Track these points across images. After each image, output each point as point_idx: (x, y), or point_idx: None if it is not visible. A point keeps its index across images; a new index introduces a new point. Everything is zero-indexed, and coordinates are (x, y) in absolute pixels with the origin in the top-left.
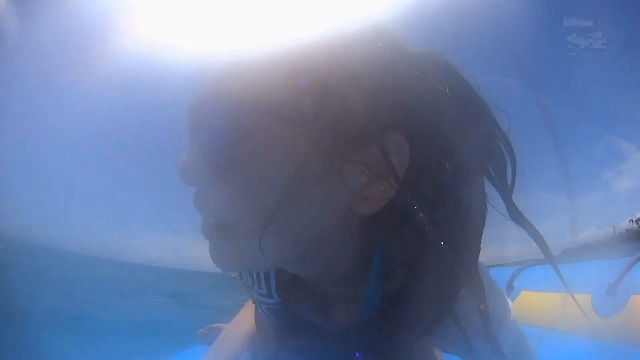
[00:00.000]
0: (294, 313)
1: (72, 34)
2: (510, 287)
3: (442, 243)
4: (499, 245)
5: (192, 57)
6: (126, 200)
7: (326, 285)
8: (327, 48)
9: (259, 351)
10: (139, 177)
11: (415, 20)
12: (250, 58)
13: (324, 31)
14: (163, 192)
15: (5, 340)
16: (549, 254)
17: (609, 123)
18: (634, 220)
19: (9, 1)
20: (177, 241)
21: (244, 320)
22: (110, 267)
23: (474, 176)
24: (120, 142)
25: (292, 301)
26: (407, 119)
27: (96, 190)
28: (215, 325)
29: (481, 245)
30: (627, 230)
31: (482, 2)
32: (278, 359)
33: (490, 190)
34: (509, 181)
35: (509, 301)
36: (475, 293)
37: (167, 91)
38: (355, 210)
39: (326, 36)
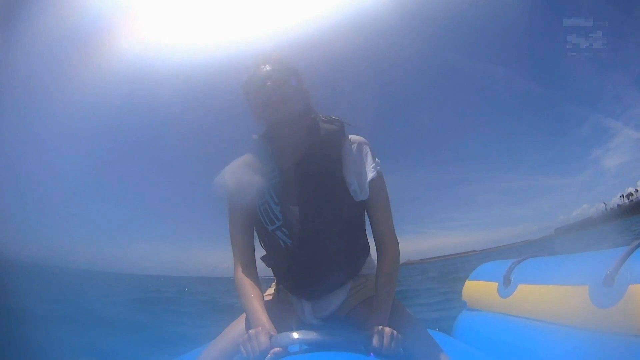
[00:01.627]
0: (284, 178)
1: (72, 37)
2: (507, 280)
3: None
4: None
5: (187, 59)
6: (123, 210)
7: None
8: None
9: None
10: (135, 188)
11: (417, 20)
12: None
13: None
14: (160, 202)
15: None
16: None
17: (595, 102)
18: (624, 195)
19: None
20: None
21: (240, 325)
22: (106, 279)
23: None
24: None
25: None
26: None
27: (92, 202)
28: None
29: None
30: (618, 205)
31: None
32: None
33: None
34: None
35: None
36: None
37: (165, 101)
38: None
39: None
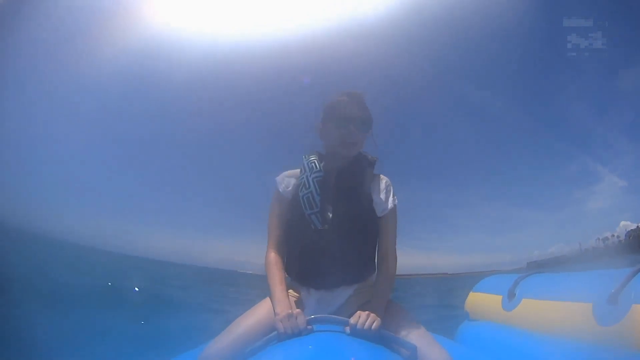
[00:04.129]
0: (326, 178)
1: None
2: (512, 295)
3: None
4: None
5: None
6: (131, 192)
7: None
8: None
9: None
10: (141, 169)
11: (416, 19)
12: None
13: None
14: (167, 186)
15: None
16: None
17: (586, 144)
18: (600, 239)
19: None
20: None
21: (256, 313)
22: (109, 259)
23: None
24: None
25: (325, 171)
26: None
27: (100, 181)
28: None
29: None
30: (593, 248)
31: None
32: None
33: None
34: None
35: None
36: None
37: (170, 84)
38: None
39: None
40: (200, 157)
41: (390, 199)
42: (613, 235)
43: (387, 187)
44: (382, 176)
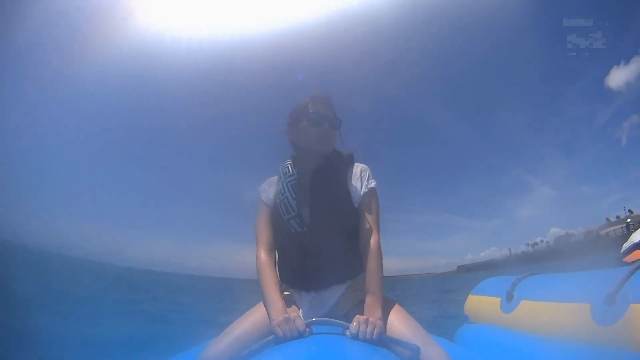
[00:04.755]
0: (301, 180)
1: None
2: (510, 296)
3: None
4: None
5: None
6: (126, 201)
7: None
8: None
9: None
10: (135, 180)
11: (415, 19)
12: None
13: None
14: (161, 194)
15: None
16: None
17: (520, 158)
18: (529, 244)
19: None
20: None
21: (254, 315)
22: (106, 270)
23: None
24: (118, 141)
25: (299, 174)
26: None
27: (95, 193)
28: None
29: None
30: (522, 252)
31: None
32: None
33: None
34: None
35: None
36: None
37: (166, 95)
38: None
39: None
40: (194, 163)
41: (365, 183)
42: (542, 241)
43: (362, 172)
44: (357, 164)
